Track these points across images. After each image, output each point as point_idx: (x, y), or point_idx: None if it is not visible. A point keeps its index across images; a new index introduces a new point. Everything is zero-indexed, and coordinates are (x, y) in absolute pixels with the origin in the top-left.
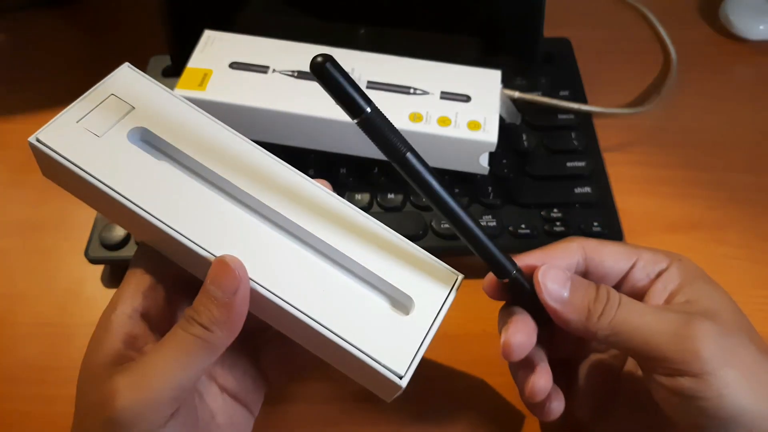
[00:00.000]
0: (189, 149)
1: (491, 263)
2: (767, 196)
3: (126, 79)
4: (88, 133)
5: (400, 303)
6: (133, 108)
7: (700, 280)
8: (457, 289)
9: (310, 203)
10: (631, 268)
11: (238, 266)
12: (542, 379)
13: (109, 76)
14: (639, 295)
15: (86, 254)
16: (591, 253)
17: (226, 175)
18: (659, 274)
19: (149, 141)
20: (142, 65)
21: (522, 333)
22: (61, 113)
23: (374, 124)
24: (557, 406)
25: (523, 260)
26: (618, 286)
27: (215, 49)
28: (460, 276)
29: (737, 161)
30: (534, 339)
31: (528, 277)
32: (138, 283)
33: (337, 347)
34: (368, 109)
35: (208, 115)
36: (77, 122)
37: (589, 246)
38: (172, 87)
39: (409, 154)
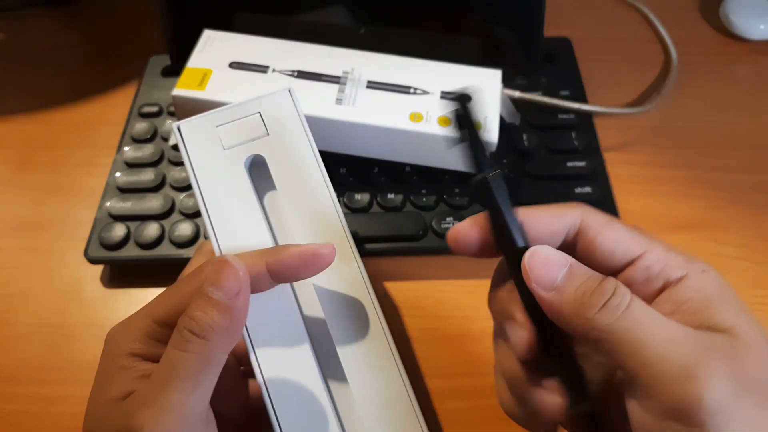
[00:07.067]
0: (286, 205)
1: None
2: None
3: (280, 103)
4: (217, 141)
5: None
6: (267, 134)
7: (727, 301)
8: None
9: (355, 314)
10: (632, 262)
11: (241, 267)
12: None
13: (271, 93)
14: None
15: (86, 254)
16: (587, 228)
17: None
18: (668, 284)
19: (262, 168)
20: (141, 65)
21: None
22: (212, 111)
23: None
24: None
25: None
26: None
27: (215, 48)
28: None
29: (738, 161)
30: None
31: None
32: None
33: None
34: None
35: (326, 179)
36: (217, 126)
37: (589, 218)
38: (171, 86)
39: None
